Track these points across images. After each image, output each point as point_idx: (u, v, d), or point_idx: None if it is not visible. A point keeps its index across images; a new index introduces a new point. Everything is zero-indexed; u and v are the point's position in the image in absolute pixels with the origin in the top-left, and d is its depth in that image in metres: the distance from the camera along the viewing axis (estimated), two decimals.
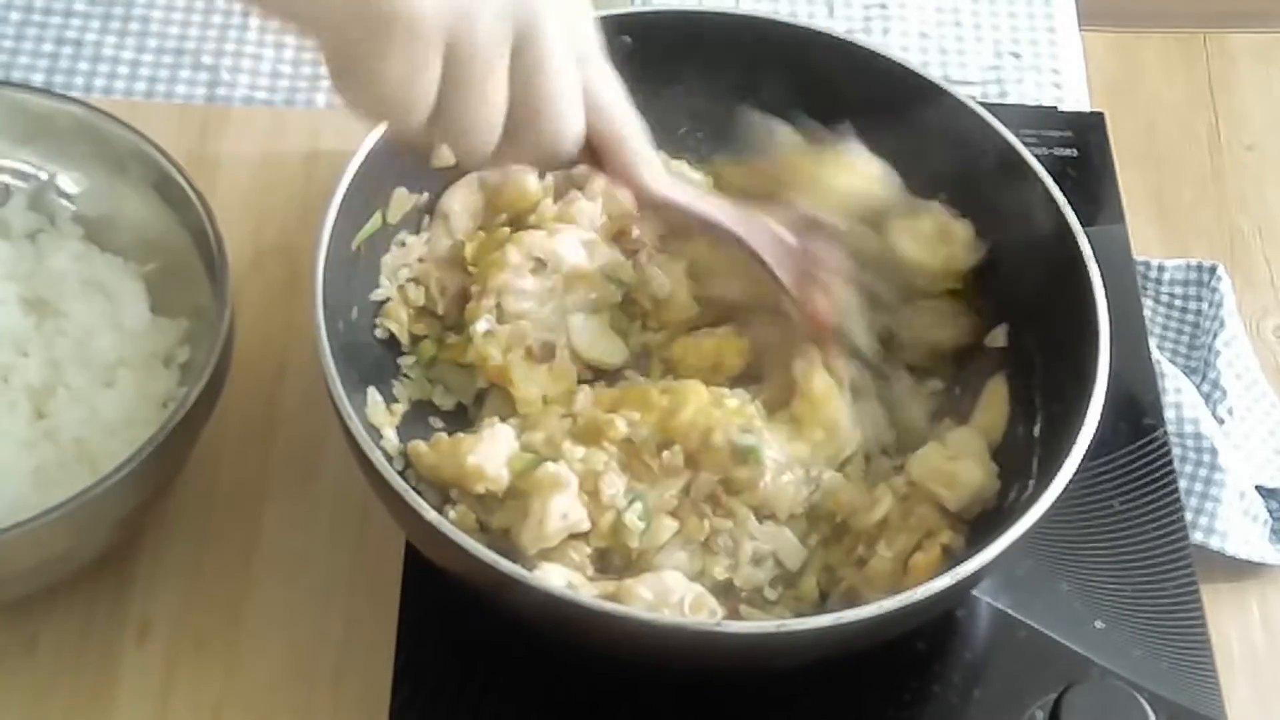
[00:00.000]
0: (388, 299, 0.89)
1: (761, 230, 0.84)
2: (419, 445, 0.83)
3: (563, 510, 0.78)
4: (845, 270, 0.84)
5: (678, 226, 0.87)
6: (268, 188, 1.02)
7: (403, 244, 0.90)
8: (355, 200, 0.84)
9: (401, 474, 0.77)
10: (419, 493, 0.75)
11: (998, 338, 0.89)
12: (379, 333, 0.88)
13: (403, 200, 0.89)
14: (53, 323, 0.87)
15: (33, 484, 0.81)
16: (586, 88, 0.72)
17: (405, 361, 0.88)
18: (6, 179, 0.92)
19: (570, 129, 0.72)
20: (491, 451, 0.81)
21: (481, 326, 0.85)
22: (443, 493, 0.83)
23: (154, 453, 0.77)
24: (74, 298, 0.87)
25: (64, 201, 0.92)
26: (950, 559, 0.79)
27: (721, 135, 0.96)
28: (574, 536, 0.80)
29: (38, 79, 1.10)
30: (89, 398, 0.84)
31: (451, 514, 0.81)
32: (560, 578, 0.77)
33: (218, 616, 0.86)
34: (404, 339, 0.88)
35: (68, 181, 0.92)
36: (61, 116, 0.90)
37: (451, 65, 0.66)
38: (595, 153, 0.75)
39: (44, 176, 0.92)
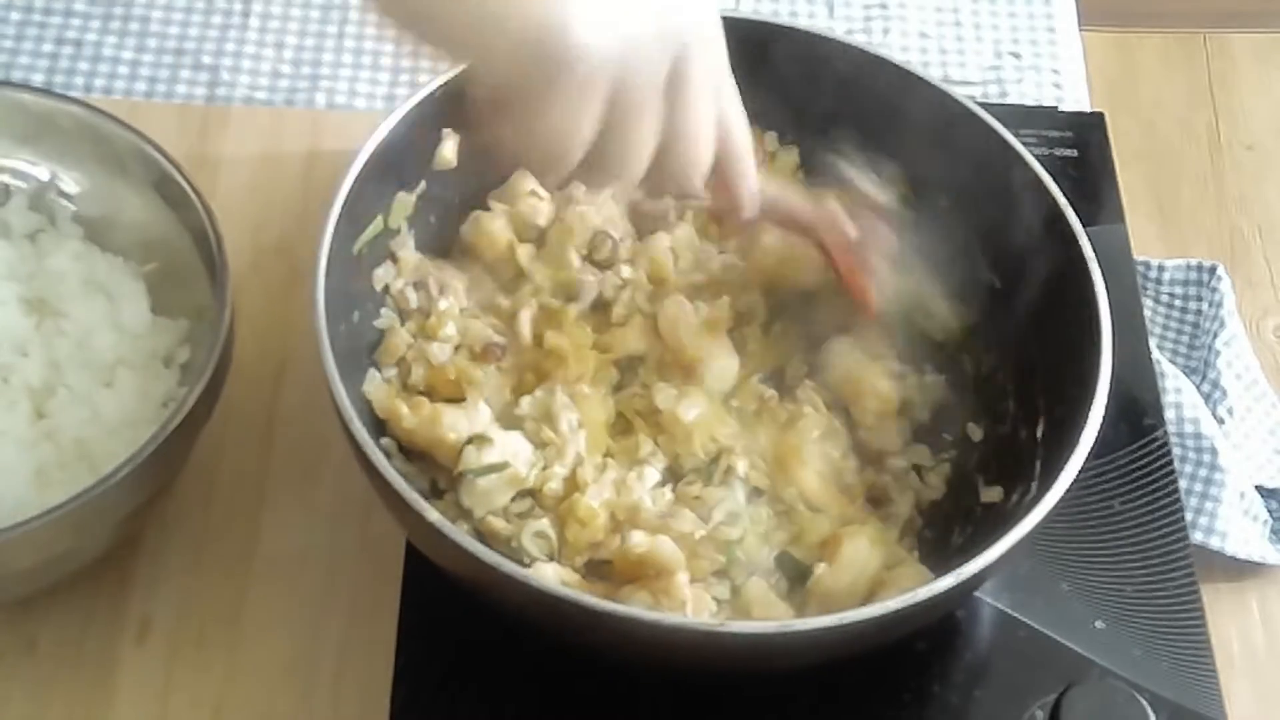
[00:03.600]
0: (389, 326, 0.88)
1: (830, 222, 0.86)
2: (399, 407, 0.82)
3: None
4: (892, 253, 0.86)
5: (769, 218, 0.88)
6: (268, 188, 1.02)
7: (395, 258, 0.89)
8: (356, 202, 0.84)
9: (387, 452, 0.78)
10: (407, 478, 0.75)
11: None
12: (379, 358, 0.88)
13: (404, 204, 0.89)
14: (53, 323, 0.87)
15: (33, 484, 0.81)
16: (719, 116, 0.72)
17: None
18: (6, 179, 0.92)
19: (704, 163, 0.72)
20: (470, 429, 0.81)
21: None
22: (431, 481, 0.83)
23: (154, 453, 0.77)
24: (74, 298, 0.87)
25: (64, 201, 0.92)
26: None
27: None
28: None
29: (38, 79, 1.10)
30: (89, 398, 0.84)
31: (439, 505, 0.81)
32: (553, 576, 0.77)
33: (218, 616, 0.86)
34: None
35: (68, 181, 0.92)
36: (61, 116, 0.90)
37: (613, 108, 0.67)
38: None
39: (44, 176, 0.92)
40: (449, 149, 0.89)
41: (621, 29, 0.65)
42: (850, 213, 0.86)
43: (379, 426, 0.83)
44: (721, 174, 0.76)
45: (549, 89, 0.65)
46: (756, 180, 0.79)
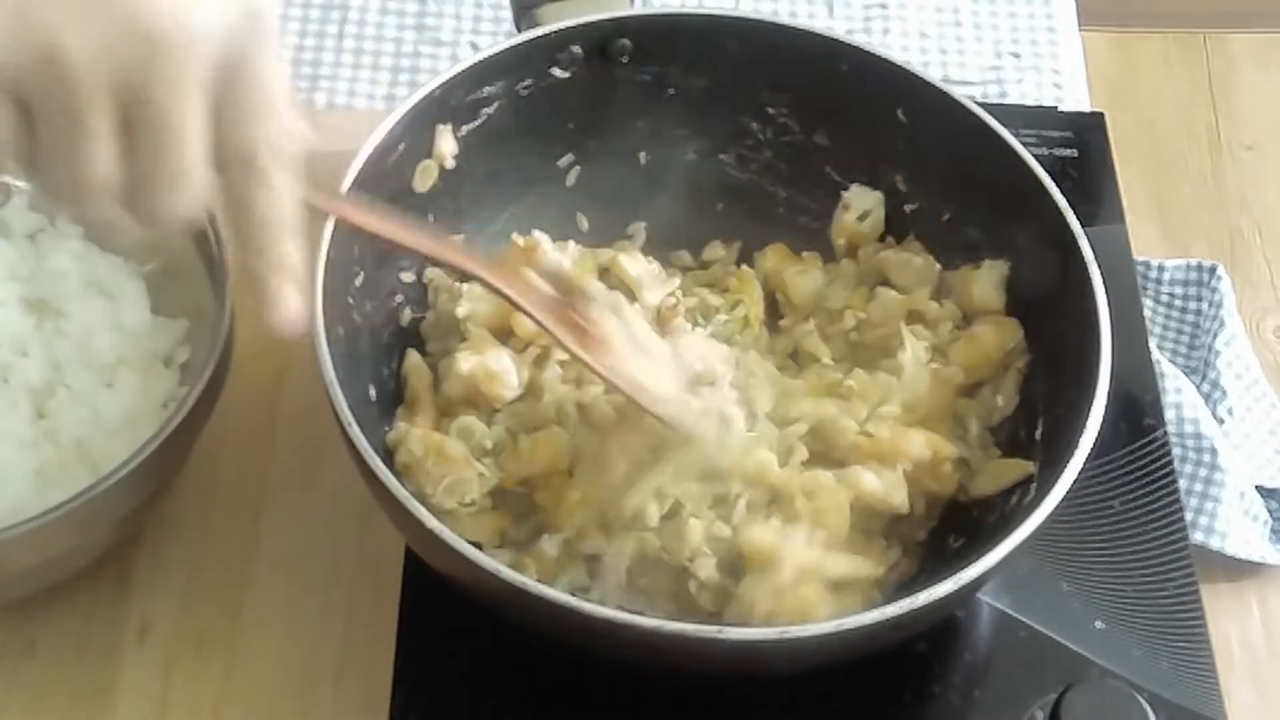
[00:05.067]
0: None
1: (510, 274, 0.79)
2: (410, 451, 0.82)
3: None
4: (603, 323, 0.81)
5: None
6: None
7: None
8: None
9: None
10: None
11: None
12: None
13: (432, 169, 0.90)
14: (53, 323, 0.87)
15: (33, 484, 0.81)
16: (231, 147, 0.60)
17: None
18: (7, 179, 0.91)
19: (189, 200, 0.59)
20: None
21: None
22: None
23: (154, 453, 0.77)
24: (74, 298, 0.87)
25: None
26: None
27: (718, 143, 0.96)
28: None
29: None
30: (89, 398, 0.84)
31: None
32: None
33: (218, 616, 0.86)
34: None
35: None
36: None
37: (43, 108, 0.56)
38: None
39: None
40: (446, 145, 0.89)
41: (30, 20, 0.54)
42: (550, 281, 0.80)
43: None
44: (240, 245, 0.64)
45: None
46: (286, 270, 0.64)
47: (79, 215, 0.58)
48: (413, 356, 0.88)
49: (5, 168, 0.56)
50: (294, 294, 0.64)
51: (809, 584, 0.77)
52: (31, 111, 0.55)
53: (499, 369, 0.84)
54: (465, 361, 0.84)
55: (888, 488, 0.81)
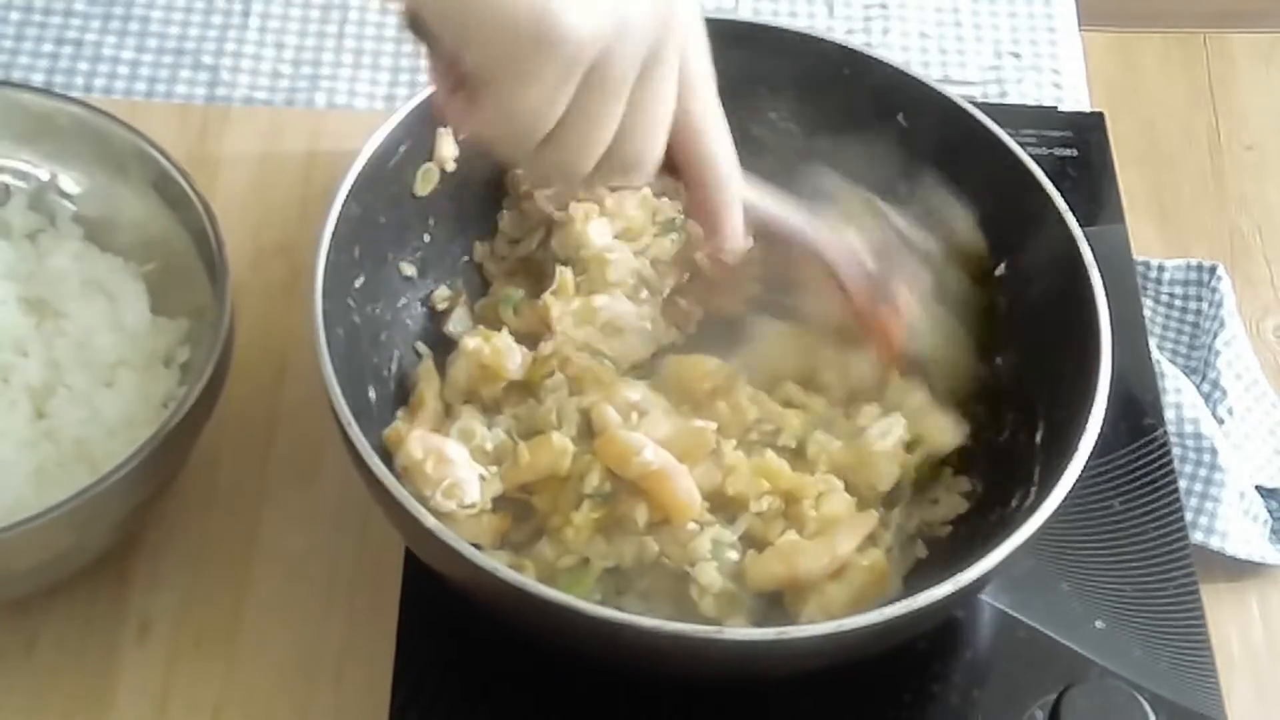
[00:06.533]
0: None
1: (843, 248, 0.82)
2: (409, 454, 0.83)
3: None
4: (922, 292, 0.84)
5: (761, 234, 0.82)
6: (268, 188, 1.02)
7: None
8: (356, 202, 0.84)
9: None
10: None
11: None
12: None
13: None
14: (53, 323, 0.87)
15: (33, 484, 0.81)
16: (690, 113, 0.70)
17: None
18: (6, 179, 0.92)
19: (654, 155, 0.69)
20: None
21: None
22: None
23: (154, 453, 0.77)
24: (74, 298, 0.87)
25: (64, 201, 0.92)
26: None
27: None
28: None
29: (38, 79, 1.10)
30: (89, 398, 0.84)
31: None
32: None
33: (218, 615, 0.86)
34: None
35: (68, 181, 0.92)
36: (61, 116, 0.90)
37: (586, 89, 0.64)
38: (675, 166, 0.73)
39: (44, 176, 0.92)
40: (447, 149, 0.89)
41: (614, 7, 0.62)
42: (874, 248, 0.83)
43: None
44: (693, 184, 0.74)
45: (526, 71, 0.62)
46: (736, 201, 0.75)
47: (558, 193, 0.76)
48: (425, 362, 0.88)
49: (509, 154, 0.69)
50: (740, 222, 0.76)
51: (832, 582, 0.78)
52: (587, 84, 0.63)
53: (503, 346, 0.85)
54: (471, 340, 0.85)
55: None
